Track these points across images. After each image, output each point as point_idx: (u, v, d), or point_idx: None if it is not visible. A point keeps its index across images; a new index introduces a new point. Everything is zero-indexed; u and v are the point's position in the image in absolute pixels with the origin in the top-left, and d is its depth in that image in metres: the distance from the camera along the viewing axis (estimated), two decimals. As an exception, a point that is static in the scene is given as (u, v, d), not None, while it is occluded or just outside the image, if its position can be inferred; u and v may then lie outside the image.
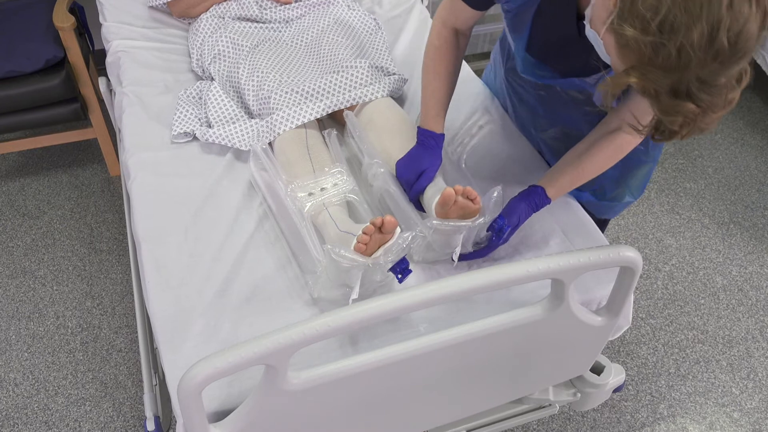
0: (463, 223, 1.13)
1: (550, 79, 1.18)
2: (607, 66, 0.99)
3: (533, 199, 1.19)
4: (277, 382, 0.87)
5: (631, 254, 0.95)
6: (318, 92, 1.45)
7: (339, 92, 1.46)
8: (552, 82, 1.20)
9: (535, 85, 1.31)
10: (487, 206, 1.16)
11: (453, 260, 1.18)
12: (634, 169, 1.37)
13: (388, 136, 1.35)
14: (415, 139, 1.34)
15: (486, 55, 2.89)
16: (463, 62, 1.74)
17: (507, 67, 1.42)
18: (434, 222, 1.14)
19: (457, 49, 1.27)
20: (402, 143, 1.33)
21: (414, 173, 1.23)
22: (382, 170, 1.27)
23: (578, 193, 1.42)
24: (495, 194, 1.16)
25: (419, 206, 1.25)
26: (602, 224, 1.54)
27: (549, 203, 1.20)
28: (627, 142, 1.14)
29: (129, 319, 1.96)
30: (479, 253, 1.21)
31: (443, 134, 1.27)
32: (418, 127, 1.28)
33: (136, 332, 1.91)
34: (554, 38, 1.10)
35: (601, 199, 1.45)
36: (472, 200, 1.12)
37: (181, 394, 0.81)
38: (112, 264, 2.11)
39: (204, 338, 1.10)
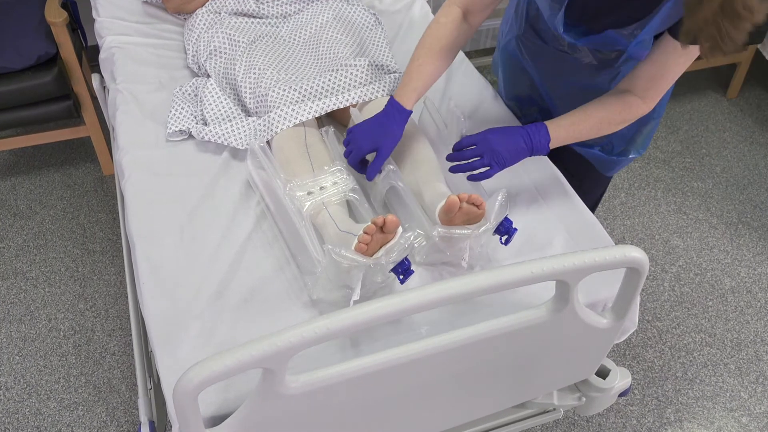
0: (468, 231, 1.13)
1: (584, 38, 1.19)
2: (645, 13, 1.07)
3: (530, 131, 1.19)
4: (275, 386, 0.87)
5: (637, 255, 0.95)
6: (317, 91, 1.45)
7: (338, 92, 1.46)
8: (586, 42, 1.20)
9: (552, 51, 1.34)
10: (492, 210, 1.16)
11: (463, 265, 1.18)
12: (641, 125, 1.41)
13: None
14: (418, 139, 1.34)
15: (488, 51, 2.89)
16: (467, 60, 1.74)
17: (521, 32, 1.42)
18: (439, 230, 1.14)
19: (459, 32, 1.26)
20: (403, 142, 1.33)
21: (370, 143, 1.24)
22: (391, 167, 1.26)
23: (587, 150, 1.45)
24: (500, 197, 1.16)
25: (359, 169, 1.27)
26: (605, 182, 1.59)
27: (548, 143, 1.19)
28: (636, 104, 1.18)
29: (123, 322, 1.96)
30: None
31: (410, 112, 1.26)
32: (390, 96, 1.28)
33: (130, 335, 1.91)
34: None
35: (609, 155, 1.47)
36: (477, 206, 1.12)
37: (177, 399, 0.81)
38: (106, 265, 2.11)
39: (200, 341, 1.10)
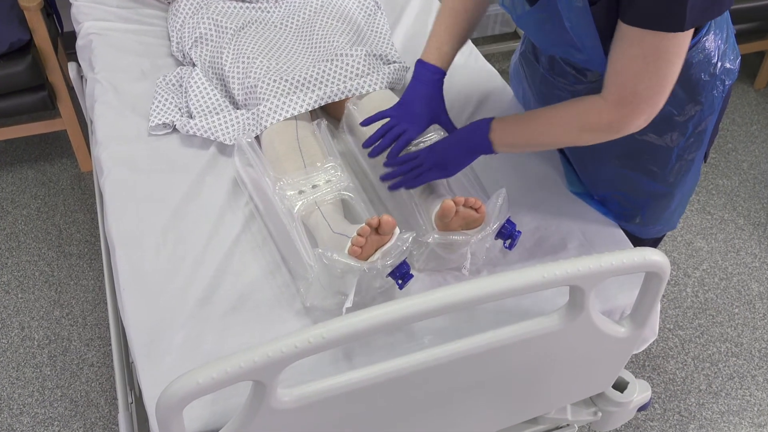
0: (465, 237, 1.13)
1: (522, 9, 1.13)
2: None
3: (472, 141, 1.16)
4: (266, 399, 0.87)
5: (657, 258, 0.95)
6: (309, 82, 1.45)
7: (332, 82, 1.46)
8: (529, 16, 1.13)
9: (542, 72, 1.31)
10: (492, 213, 1.16)
11: (464, 273, 1.19)
12: (656, 199, 1.33)
13: None
14: None
15: (497, 38, 2.89)
16: (474, 48, 1.74)
17: (524, 47, 1.42)
18: (435, 236, 1.14)
19: None
20: None
21: (428, 118, 1.21)
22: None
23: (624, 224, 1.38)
24: (500, 199, 1.17)
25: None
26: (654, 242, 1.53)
27: (488, 146, 1.15)
28: (597, 105, 1.05)
29: (102, 330, 1.96)
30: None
31: (444, 72, 1.24)
32: (418, 60, 1.25)
33: (110, 345, 1.91)
34: None
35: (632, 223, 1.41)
36: (475, 210, 1.12)
37: (160, 414, 0.81)
38: (83, 269, 2.11)
39: (185, 351, 1.10)
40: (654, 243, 1.53)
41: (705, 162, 1.33)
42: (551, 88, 1.29)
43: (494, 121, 1.16)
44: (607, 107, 1.04)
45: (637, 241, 1.43)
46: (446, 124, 1.26)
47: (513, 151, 1.18)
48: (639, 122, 1.04)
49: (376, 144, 1.24)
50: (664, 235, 1.53)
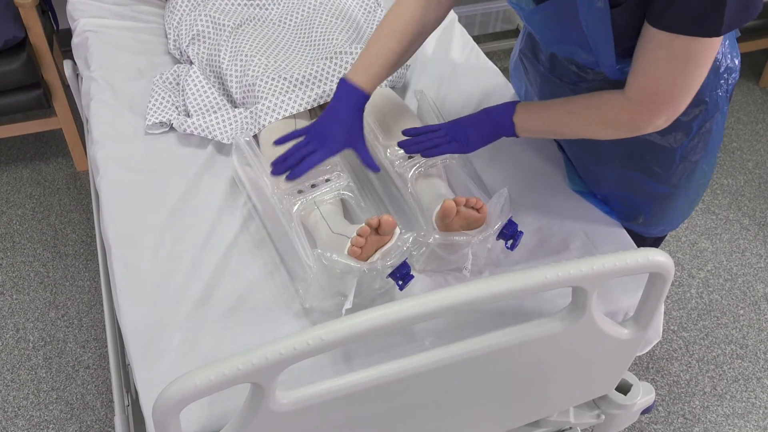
0: (466, 238, 1.13)
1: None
2: None
3: (494, 123, 1.17)
4: (264, 402, 0.87)
5: (661, 259, 0.95)
6: (308, 80, 1.45)
7: (332, 81, 1.46)
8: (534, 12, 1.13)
9: (543, 67, 1.31)
10: (493, 213, 1.16)
11: (465, 274, 1.19)
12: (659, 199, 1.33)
13: (387, 135, 1.35)
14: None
15: (498, 36, 2.89)
16: (475, 45, 1.75)
17: (523, 45, 1.41)
18: (436, 237, 1.14)
19: (426, 11, 1.19)
20: (397, 134, 1.33)
21: (342, 143, 1.17)
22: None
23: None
24: (501, 199, 1.17)
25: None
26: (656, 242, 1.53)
27: (511, 128, 1.16)
28: (619, 101, 1.06)
29: (98, 332, 1.96)
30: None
31: (368, 96, 1.19)
32: (342, 78, 1.19)
33: (106, 346, 1.91)
34: None
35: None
36: (477, 210, 1.12)
37: (157, 416, 0.81)
38: (79, 270, 2.11)
39: (182, 353, 1.10)
40: (655, 242, 1.53)
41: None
42: (552, 86, 1.29)
43: (519, 104, 1.18)
44: (628, 104, 1.05)
45: (639, 240, 1.43)
46: (362, 151, 1.20)
47: (533, 136, 1.19)
48: (659, 122, 1.05)
49: (283, 161, 1.18)
50: (666, 234, 1.53)
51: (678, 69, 0.98)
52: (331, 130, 1.18)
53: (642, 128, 1.07)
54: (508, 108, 1.18)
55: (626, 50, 1.05)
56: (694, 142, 1.22)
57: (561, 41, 1.14)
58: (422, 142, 1.23)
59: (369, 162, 1.21)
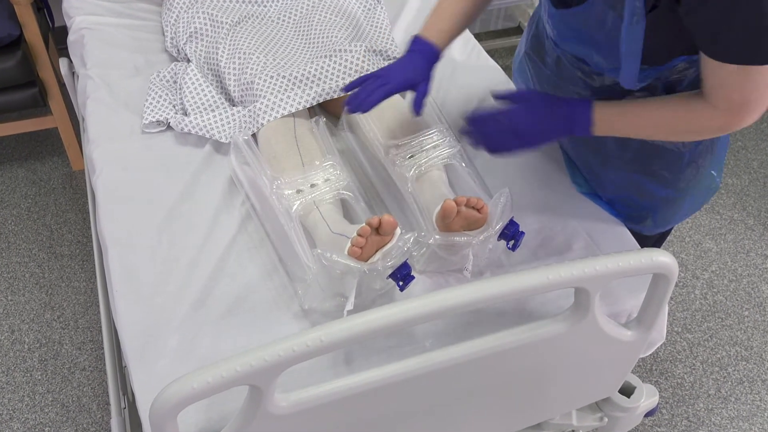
0: (467, 239, 1.13)
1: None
2: None
3: (571, 113, 1.12)
4: (263, 404, 0.87)
5: (665, 260, 0.95)
6: (308, 78, 1.45)
7: (331, 79, 1.46)
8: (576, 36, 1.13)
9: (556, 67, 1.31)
10: (494, 213, 1.16)
11: (466, 275, 1.19)
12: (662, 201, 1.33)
13: (387, 134, 1.35)
14: (415, 129, 1.34)
15: (500, 33, 2.89)
16: (476, 44, 1.75)
17: (528, 46, 1.41)
18: (437, 237, 1.14)
19: None
20: (397, 131, 1.33)
21: (405, 81, 1.19)
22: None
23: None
24: (503, 199, 1.17)
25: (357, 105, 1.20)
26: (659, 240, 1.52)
27: (587, 132, 1.12)
28: (704, 111, 1.04)
29: (94, 334, 1.96)
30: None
31: (440, 52, 1.22)
32: (414, 36, 1.23)
33: (102, 348, 1.91)
34: None
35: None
36: (478, 210, 1.12)
37: (154, 419, 0.81)
38: (75, 271, 2.11)
39: (179, 355, 1.10)
40: (657, 241, 1.53)
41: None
42: (557, 90, 1.29)
43: (595, 103, 1.12)
44: (718, 114, 1.03)
45: (641, 239, 1.43)
46: (420, 93, 1.21)
47: (604, 134, 1.15)
48: (750, 121, 1.05)
49: (357, 92, 1.22)
50: (669, 232, 1.53)
51: (752, 77, 0.97)
52: (398, 70, 1.22)
53: (733, 129, 1.07)
54: (585, 105, 1.12)
55: (644, 60, 1.04)
56: (702, 145, 1.21)
57: (580, 43, 1.13)
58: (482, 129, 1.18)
59: (417, 104, 1.21)
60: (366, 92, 1.20)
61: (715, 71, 0.98)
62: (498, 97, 1.20)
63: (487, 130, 1.17)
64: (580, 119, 1.12)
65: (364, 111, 1.19)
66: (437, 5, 1.25)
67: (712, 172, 1.29)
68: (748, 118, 1.03)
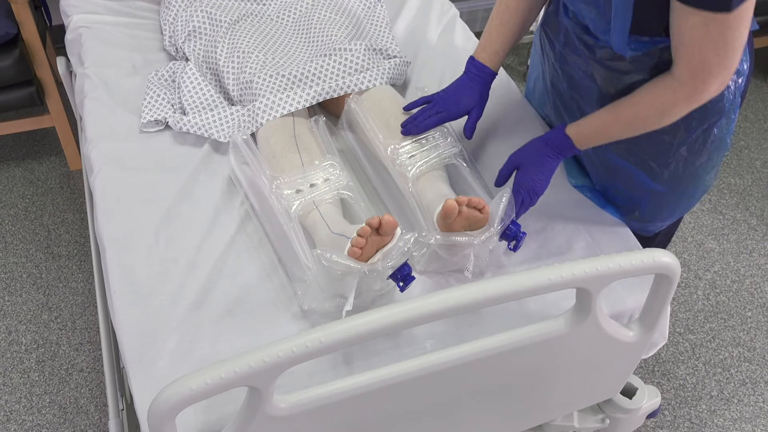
0: (468, 239, 1.13)
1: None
2: None
3: (550, 140, 1.22)
4: (262, 406, 0.87)
5: (667, 260, 0.95)
6: (307, 77, 1.45)
7: (331, 78, 1.46)
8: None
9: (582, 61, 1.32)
10: (496, 213, 1.16)
11: (467, 276, 1.19)
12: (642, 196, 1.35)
13: (388, 134, 1.35)
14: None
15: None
16: (476, 40, 1.74)
17: (543, 20, 1.41)
18: (437, 237, 1.14)
19: None
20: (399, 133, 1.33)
21: (460, 107, 1.30)
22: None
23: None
24: (504, 199, 1.17)
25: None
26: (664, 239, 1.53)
27: (571, 146, 1.20)
28: (670, 86, 1.09)
29: (92, 335, 1.96)
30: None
31: (496, 73, 1.33)
32: (470, 57, 1.33)
33: (100, 349, 1.91)
34: None
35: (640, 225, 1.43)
36: (479, 210, 1.13)
37: (152, 421, 0.81)
38: (73, 271, 2.11)
39: (178, 356, 1.10)
40: (662, 242, 1.53)
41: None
42: (564, 64, 1.31)
43: (569, 130, 1.21)
44: (678, 83, 1.07)
45: (645, 240, 1.43)
46: (473, 117, 1.32)
47: (591, 145, 1.24)
48: (713, 88, 1.07)
49: (415, 116, 1.34)
50: (673, 234, 1.53)
51: (715, 33, 0.99)
52: (454, 97, 1.33)
53: (700, 98, 1.09)
54: (560, 134, 1.22)
55: (636, 26, 1.08)
56: (693, 138, 1.22)
57: (583, 1, 1.17)
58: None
59: (469, 129, 1.32)
60: (423, 117, 1.32)
61: (680, 26, 1.01)
62: (501, 184, 1.30)
63: (520, 200, 1.26)
64: (562, 145, 1.22)
65: (418, 134, 1.33)
66: (489, 25, 1.32)
67: (702, 173, 1.30)
68: (710, 84, 1.05)
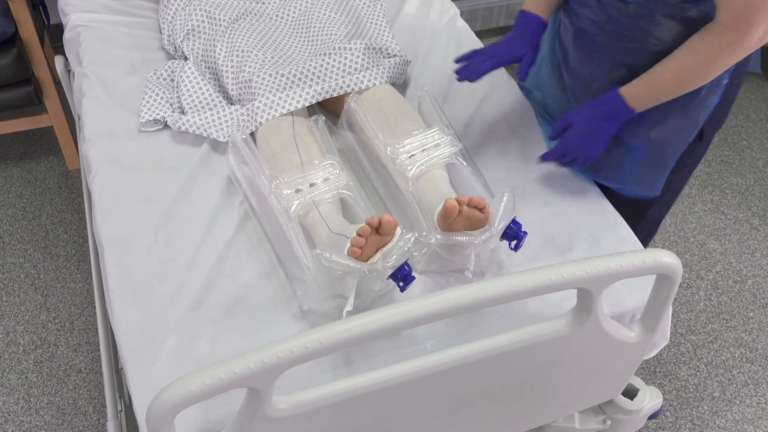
0: (469, 239, 1.13)
1: None
2: None
3: (602, 101, 1.23)
4: (261, 407, 0.87)
5: (669, 260, 0.95)
6: (306, 77, 1.45)
7: (331, 77, 1.46)
8: None
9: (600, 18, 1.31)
10: (497, 213, 1.16)
11: (468, 276, 1.19)
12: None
13: (388, 133, 1.35)
14: (417, 128, 1.34)
15: (502, 30, 2.89)
16: (478, 41, 1.75)
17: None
18: (438, 237, 1.14)
19: None
20: (397, 131, 1.33)
21: (510, 55, 1.30)
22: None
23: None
24: (505, 199, 1.17)
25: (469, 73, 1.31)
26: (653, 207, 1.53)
27: (623, 105, 1.22)
28: (708, 34, 1.12)
29: (90, 335, 1.96)
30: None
31: (545, 21, 1.32)
32: (520, 11, 1.33)
33: (98, 350, 1.91)
34: None
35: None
36: (480, 209, 1.13)
37: (151, 422, 0.81)
38: (71, 271, 2.11)
39: (177, 357, 1.10)
40: (654, 223, 1.54)
41: (701, 141, 1.36)
42: (572, 17, 1.33)
43: (621, 90, 1.23)
44: (722, 28, 1.10)
45: (641, 209, 1.45)
46: (526, 61, 1.31)
47: (646, 106, 1.25)
48: (758, 34, 1.09)
49: (468, 61, 1.34)
50: (663, 217, 1.56)
51: None
52: (505, 46, 1.33)
53: (744, 46, 1.11)
54: (615, 98, 1.23)
55: None
56: (696, 97, 1.25)
57: None
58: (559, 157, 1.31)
59: (523, 71, 1.32)
60: (475, 63, 1.31)
61: None
62: (549, 153, 1.33)
63: (565, 162, 1.32)
64: (614, 105, 1.23)
65: (472, 80, 1.31)
66: None
67: (680, 134, 1.32)
68: (754, 29, 1.07)
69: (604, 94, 1.25)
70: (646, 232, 1.56)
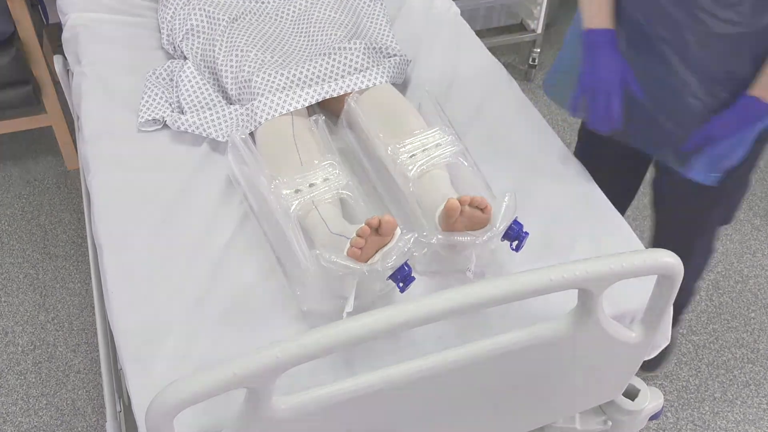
0: (470, 239, 1.13)
1: None
2: None
3: (740, 106, 1.20)
4: (261, 408, 0.87)
5: (670, 260, 0.95)
6: (306, 77, 1.45)
7: (331, 77, 1.46)
8: None
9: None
10: (498, 213, 1.16)
11: (469, 276, 1.19)
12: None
13: (388, 133, 1.34)
14: (418, 127, 1.34)
15: (501, 30, 2.89)
16: (478, 40, 1.75)
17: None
18: (439, 237, 1.14)
19: None
20: (397, 129, 1.33)
21: (617, 84, 1.25)
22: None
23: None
24: (507, 199, 1.17)
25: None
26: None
27: (761, 105, 1.19)
28: None
29: (89, 336, 1.96)
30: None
31: (613, 30, 1.28)
32: (585, 29, 1.29)
33: (97, 351, 1.91)
34: None
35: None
36: (481, 210, 1.13)
37: (150, 423, 0.81)
38: (70, 271, 2.11)
39: (176, 357, 1.10)
40: (728, 211, 1.55)
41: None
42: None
43: (752, 92, 1.20)
44: None
45: (713, 195, 1.43)
46: (633, 82, 1.28)
47: None
48: None
49: (601, 120, 1.30)
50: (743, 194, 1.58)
51: None
52: (603, 75, 1.28)
53: None
54: (745, 98, 1.20)
55: None
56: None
57: None
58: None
59: (636, 90, 1.27)
60: (604, 111, 1.28)
61: None
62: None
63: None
64: (755, 108, 1.20)
65: (620, 127, 1.29)
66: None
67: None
68: None
69: (738, 104, 1.22)
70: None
